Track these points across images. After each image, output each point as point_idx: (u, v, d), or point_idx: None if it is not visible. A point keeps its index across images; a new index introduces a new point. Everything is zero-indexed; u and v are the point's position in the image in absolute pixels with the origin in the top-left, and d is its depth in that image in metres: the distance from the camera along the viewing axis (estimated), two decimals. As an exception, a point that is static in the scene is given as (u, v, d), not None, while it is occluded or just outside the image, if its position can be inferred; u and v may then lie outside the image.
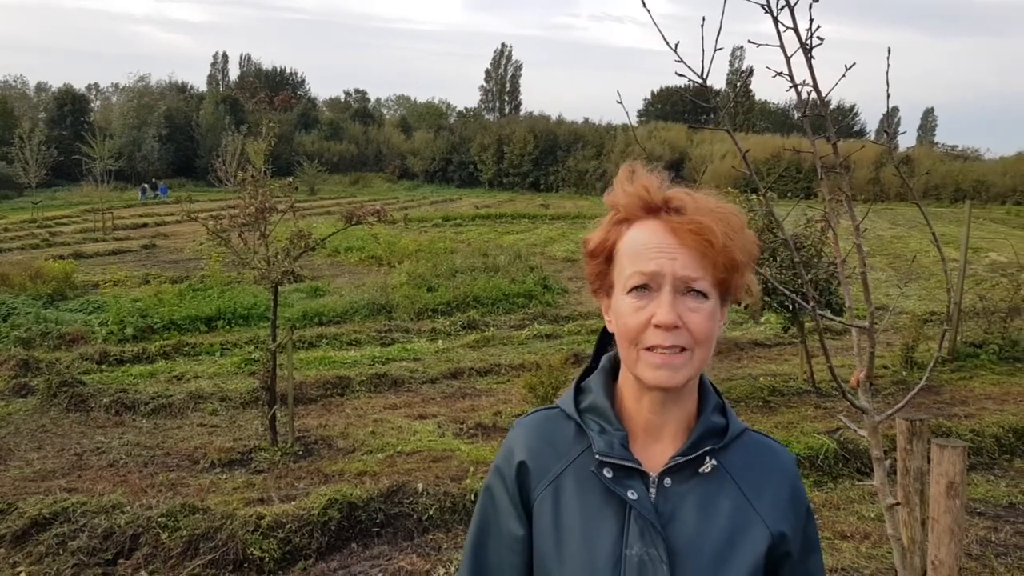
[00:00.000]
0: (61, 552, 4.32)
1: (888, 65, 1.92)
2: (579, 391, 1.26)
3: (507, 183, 52.66)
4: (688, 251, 1.10)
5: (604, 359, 1.26)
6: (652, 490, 1.15)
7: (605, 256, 1.18)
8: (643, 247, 1.12)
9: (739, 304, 1.22)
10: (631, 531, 1.12)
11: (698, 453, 1.16)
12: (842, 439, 5.96)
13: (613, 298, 1.17)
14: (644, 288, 1.11)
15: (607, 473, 1.15)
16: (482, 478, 5.18)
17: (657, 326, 1.09)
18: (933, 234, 1.91)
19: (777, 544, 1.15)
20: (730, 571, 1.12)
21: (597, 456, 1.16)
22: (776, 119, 62.84)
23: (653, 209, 1.14)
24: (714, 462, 1.17)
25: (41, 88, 57.25)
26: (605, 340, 1.28)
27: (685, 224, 1.11)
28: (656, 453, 1.18)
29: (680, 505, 1.14)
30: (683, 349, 1.10)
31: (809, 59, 1.78)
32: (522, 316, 12.36)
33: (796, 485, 1.21)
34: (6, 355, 9.19)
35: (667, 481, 1.15)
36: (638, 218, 1.15)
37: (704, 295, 1.11)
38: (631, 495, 1.13)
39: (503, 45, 78.55)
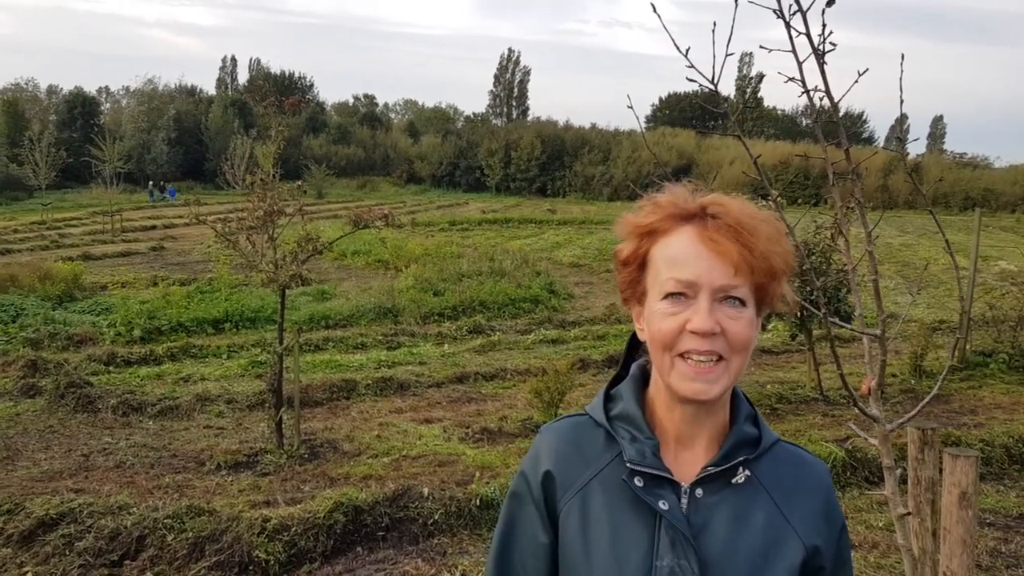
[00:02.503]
0: (67, 552, 4.33)
1: (901, 71, 1.91)
2: (608, 398, 1.24)
3: (514, 188, 52.71)
4: (727, 257, 1.06)
5: (634, 366, 1.24)
6: (684, 500, 1.12)
7: (638, 264, 1.15)
8: (680, 254, 1.09)
9: (773, 314, 1.19)
10: (662, 542, 1.10)
11: (731, 464, 1.13)
12: (851, 448, 5.93)
13: (646, 305, 1.14)
14: (680, 295, 1.09)
15: (638, 482, 1.13)
16: (487, 483, 5.17)
17: (693, 332, 1.07)
18: (946, 242, 1.89)
19: (811, 558, 1.13)
20: None
21: (628, 464, 1.14)
22: (784, 125, 62.72)
23: (688, 216, 1.11)
24: (747, 473, 1.14)
25: (52, 91, 57.51)
26: (634, 347, 1.26)
27: (725, 227, 1.08)
28: (687, 463, 1.16)
29: (712, 516, 1.12)
30: (720, 358, 1.08)
31: (822, 65, 1.77)
32: (528, 321, 12.34)
33: (830, 498, 1.19)
34: (15, 356, 9.24)
35: (699, 491, 1.13)
36: (674, 225, 1.12)
37: (742, 302, 1.08)
38: (662, 505, 1.11)
39: (510, 50, 78.58)
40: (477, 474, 5.64)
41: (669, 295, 1.09)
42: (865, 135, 64.79)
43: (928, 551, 2.64)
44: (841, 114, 1.85)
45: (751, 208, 1.11)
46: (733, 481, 1.14)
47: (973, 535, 2.53)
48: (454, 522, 4.83)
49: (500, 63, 74.13)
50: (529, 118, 69.64)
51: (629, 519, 1.13)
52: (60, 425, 7.13)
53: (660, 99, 68.92)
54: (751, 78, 64.82)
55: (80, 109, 50.73)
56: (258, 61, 77.60)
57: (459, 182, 56.24)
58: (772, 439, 1.18)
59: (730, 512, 1.12)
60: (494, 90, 74.14)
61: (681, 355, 1.09)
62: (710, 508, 1.12)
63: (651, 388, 1.20)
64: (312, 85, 75.04)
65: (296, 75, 74.26)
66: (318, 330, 11.25)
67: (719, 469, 1.13)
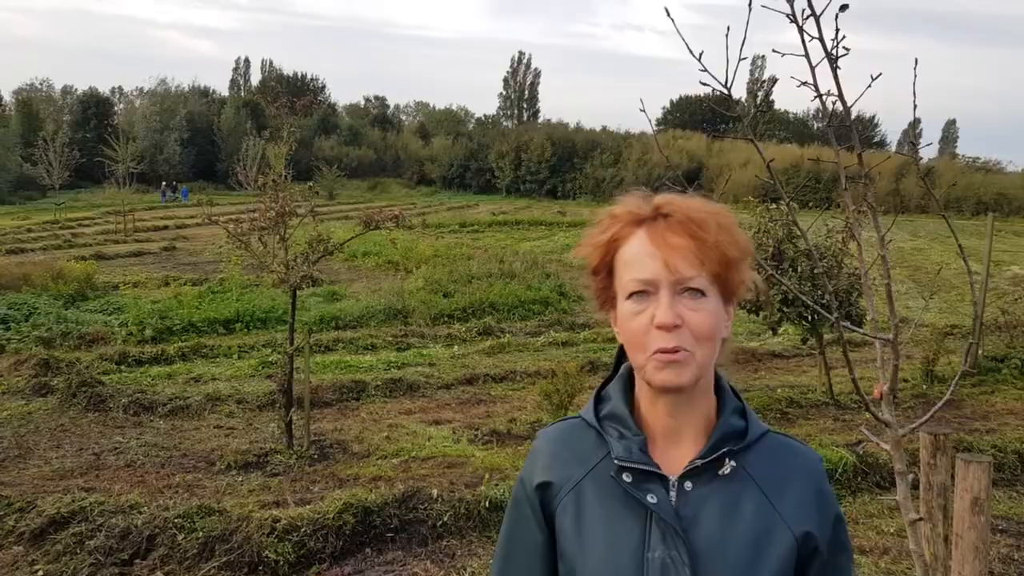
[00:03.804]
0: (78, 551, 4.36)
1: (915, 76, 1.91)
2: (599, 400, 1.28)
3: (524, 190, 52.68)
4: (681, 251, 1.12)
5: (623, 367, 1.28)
6: (672, 493, 1.16)
7: (606, 271, 1.21)
8: (638, 254, 1.15)
9: (743, 302, 1.23)
10: (653, 535, 1.13)
11: (717, 455, 1.16)
12: (862, 452, 5.90)
13: (617, 307, 1.20)
14: (642, 293, 1.14)
15: (626, 478, 1.16)
16: (497, 485, 5.18)
17: (658, 327, 1.11)
18: (960, 246, 1.88)
19: (802, 545, 1.15)
20: (756, 574, 1.12)
21: (616, 461, 1.17)
22: (794, 129, 62.46)
23: (642, 220, 1.17)
24: (733, 463, 1.17)
25: (66, 91, 58.00)
26: (624, 350, 1.29)
27: (676, 223, 1.14)
28: (675, 457, 1.19)
29: (701, 508, 1.15)
30: (685, 349, 1.12)
31: (835, 69, 1.77)
32: (538, 323, 12.34)
33: (821, 485, 1.20)
34: (27, 354, 9.30)
35: (687, 484, 1.16)
36: (631, 230, 1.18)
37: (702, 292, 1.13)
38: (651, 499, 1.14)
39: (520, 53, 78.54)
40: (486, 476, 5.64)
41: (633, 294, 1.15)
42: (877, 139, 64.43)
43: (940, 557, 2.62)
44: (853, 118, 1.84)
45: (701, 203, 1.17)
46: (720, 472, 1.16)
47: (985, 541, 2.51)
48: (463, 524, 4.83)
49: (511, 65, 74.23)
50: (539, 120, 69.68)
51: (621, 514, 1.16)
52: (71, 424, 7.17)
53: (671, 102, 68.84)
54: (763, 81, 64.63)
55: (94, 109, 51.11)
56: (270, 63, 78.03)
57: (469, 184, 56.25)
58: (760, 431, 1.21)
59: (719, 504, 1.15)
60: (504, 92, 74.22)
61: (653, 353, 1.13)
62: (699, 500, 1.15)
63: (636, 386, 1.24)
64: (324, 87, 75.37)
65: (308, 77, 74.60)
66: (328, 331, 11.28)
67: (705, 461, 1.16)
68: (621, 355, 1.31)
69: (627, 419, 1.20)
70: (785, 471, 1.19)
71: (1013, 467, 6.07)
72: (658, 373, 1.12)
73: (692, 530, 1.13)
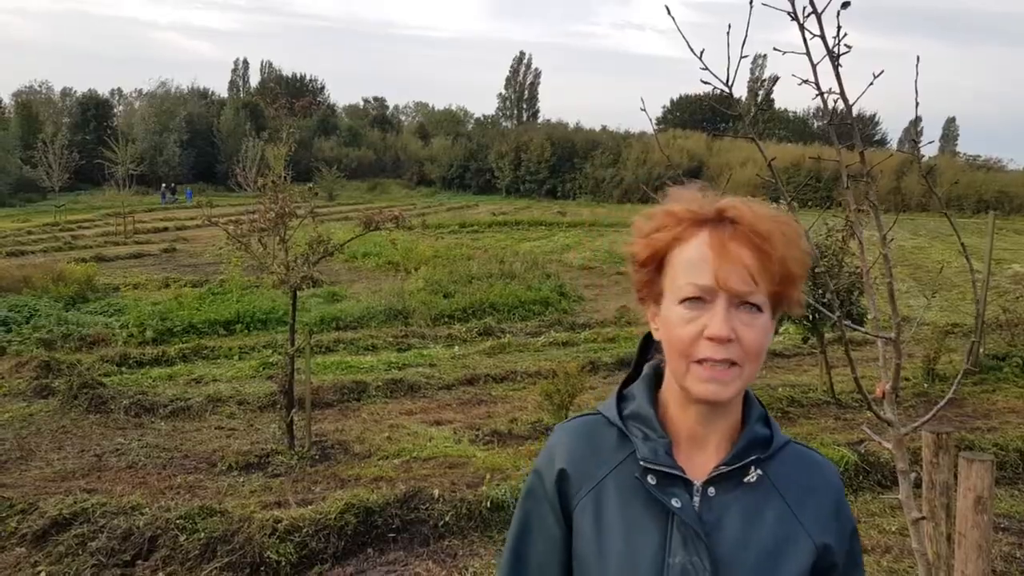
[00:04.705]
0: (80, 552, 4.36)
1: (916, 74, 1.91)
2: (621, 398, 1.25)
3: (524, 190, 52.70)
4: (745, 263, 1.07)
5: (647, 367, 1.25)
6: (696, 499, 1.14)
7: (656, 266, 1.15)
8: (698, 259, 1.10)
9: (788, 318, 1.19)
10: (674, 539, 1.11)
11: (743, 463, 1.14)
12: (863, 451, 5.90)
13: (663, 306, 1.15)
14: (697, 300, 1.09)
15: (651, 480, 1.14)
16: (498, 485, 5.17)
17: (710, 339, 1.07)
18: (962, 245, 1.88)
19: (821, 556, 1.14)
20: None
21: (641, 463, 1.15)
22: (795, 127, 62.41)
23: (704, 221, 1.12)
24: (759, 472, 1.15)
25: (66, 93, 57.97)
26: (647, 347, 1.27)
27: (742, 234, 1.09)
28: (699, 462, 1.17)
29: (724, 514, 1.13)
30: (733, 363, 1.08)
31: (836, 67, 1.77)
32: (538, 323, 12.34)
33: (840, 498, 1.20)
34: (28, 356, 9.30)
35: (711, 490, 1.14)
36: (692, 231, 1.12)
37: (758, 308, 1.09)
38: (675, 503, 1.12)
39: (521, 53, 78.46)
40: (487, 476, 5.63)
41: (687, 299, 1.10)
42: (877, 137, 64.41)
43: (943, 556, 2.62)
44: (854, 116, 1.84)
45: (767, 211, 1.12)
46: (745, 480, 1.15)
47: (988, 540, 2.51)
48: (464, 524, 4.83)
49: (512, 66, 74.20)
50: (539, 120, 69.66)
51: (642, 517, 1.14)
52: (73, 425, 7.17)
53: (671, 101, 68.80)
54: (764, 80, 64.60)
55: (93, 111, 51.03)
56: (270, 64, 77.91)
57: (469, 184, 56.25)
58: (783, 440, 1.20)
59: (742, 511, 1.13)
60: (504, 92, 74.17)
61: (697, 361, 1.09)
62: (722, 506, 1.13)
63: (664, 388, 1.21)
64: (323, 88, 75.33)
65: (307, 78, 74.56)
66: (329, 332, 11.28)
67: (731, 468, 1.14)
68: (643, 353, 1.28)
69: (653, 420, 1.17)
70: (807, 482, 1.18)
71: (1015, 465, 6.07)
72: (702, 385, 1.09)
73: (714, 536, 1.11)
